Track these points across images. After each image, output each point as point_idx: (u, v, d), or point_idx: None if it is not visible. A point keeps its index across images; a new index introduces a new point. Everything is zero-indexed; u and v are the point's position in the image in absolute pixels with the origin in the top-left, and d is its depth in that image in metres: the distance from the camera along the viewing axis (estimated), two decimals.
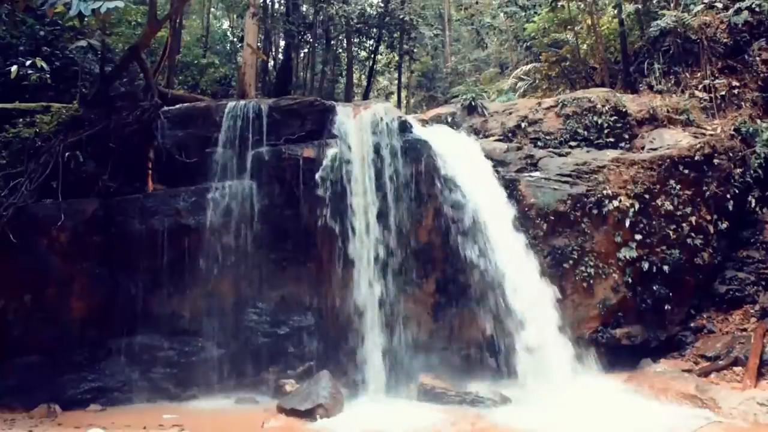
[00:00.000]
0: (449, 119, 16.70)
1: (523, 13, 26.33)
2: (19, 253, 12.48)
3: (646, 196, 14.42)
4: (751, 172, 15.35)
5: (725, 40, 17.56)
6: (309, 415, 10.94)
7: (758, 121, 15.97)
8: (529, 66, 25.02)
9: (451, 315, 13.68)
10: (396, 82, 35.61)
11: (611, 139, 15.85)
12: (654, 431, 9.35)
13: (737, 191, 15.17)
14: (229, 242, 13.41)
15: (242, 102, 14.74)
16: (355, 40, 31.11)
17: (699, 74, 17.55)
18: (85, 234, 13.01)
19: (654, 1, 20.23)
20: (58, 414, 11.67)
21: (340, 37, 31.79)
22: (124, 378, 12.73)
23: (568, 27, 22.70)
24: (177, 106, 14.76)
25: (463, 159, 14.06)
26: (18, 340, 12.53)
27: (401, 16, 28.08)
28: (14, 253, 12.40)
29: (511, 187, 14.12)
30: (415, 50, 33.10)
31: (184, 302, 13.33)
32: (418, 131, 14.40)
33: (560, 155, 15.23)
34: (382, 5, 30.07)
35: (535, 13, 25.11)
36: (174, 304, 13.32)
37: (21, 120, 13.88)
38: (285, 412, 11.15)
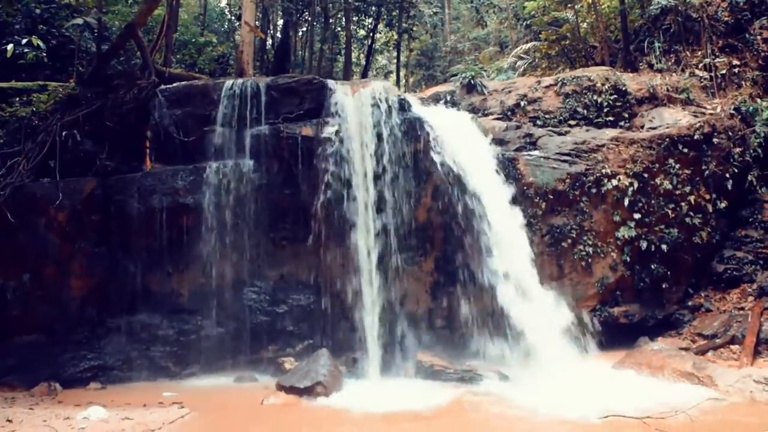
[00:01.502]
0: (448, 98, 16.66)
1: None
2: (17, 233, 12.53)
3: (645, 175, 14.41)
4: (751, 151, 15.31)
5: (726, 19, 17.47)
6: (308, 392, 11.00)
7: (758, 100, 15.90)
8: (529, 44, 24.90)
9: (449, 294, 13.70)
10: (395, 60, 35.46)
11: (611, 118, 15.82)
12: (651, 408, 9.38)
13: (736, 170, 15.13)
14: (227, 221, 13.42)
15: (240, 80, 14.67)
16: (354, 18, 30.89)
17: (699, 53, 17.49)
18: (84, 213, 13.03)
19: None
20: (58, 392, 11.77)
21: (339, 15, 31.59)
22: (123, 356, 12.81)
23: (568, 5, 22.55)
24: (174, 84, 14.69)
25: (462, 138, 14.01)
26: (17, 319, 12.60)
27: None
28: (12, 232, 12.45)
29: (510, 165, 14.10)
30: (414, 29, 32.92)
31: (183, 281, 13.37)
32: (417, 110, 14.36)
33: (559, 134, 15.22)
34: None
35: None
36: (173, 282, 13.36)
37: (18, 99, 13.88)
38: (284, 390, 11.20)
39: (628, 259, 14.22)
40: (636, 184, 14.25)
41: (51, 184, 12.92)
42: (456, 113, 15.30)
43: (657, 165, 14.56)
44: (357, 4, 28.54)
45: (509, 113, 16.21)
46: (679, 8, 17.64)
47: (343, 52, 31.33)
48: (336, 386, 11.41)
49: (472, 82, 16.95)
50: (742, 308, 13.96)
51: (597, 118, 15.80)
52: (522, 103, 16.23)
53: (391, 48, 35.81)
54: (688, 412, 9.12)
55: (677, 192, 14.57)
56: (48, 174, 13.08)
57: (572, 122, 15.77)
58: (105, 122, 13.62)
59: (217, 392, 11.98)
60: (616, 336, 13.97)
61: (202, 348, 13.07)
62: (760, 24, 16.94)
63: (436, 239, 13.75)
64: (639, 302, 14.41)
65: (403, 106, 14.16)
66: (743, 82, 16.60)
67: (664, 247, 14.26)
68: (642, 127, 15.65)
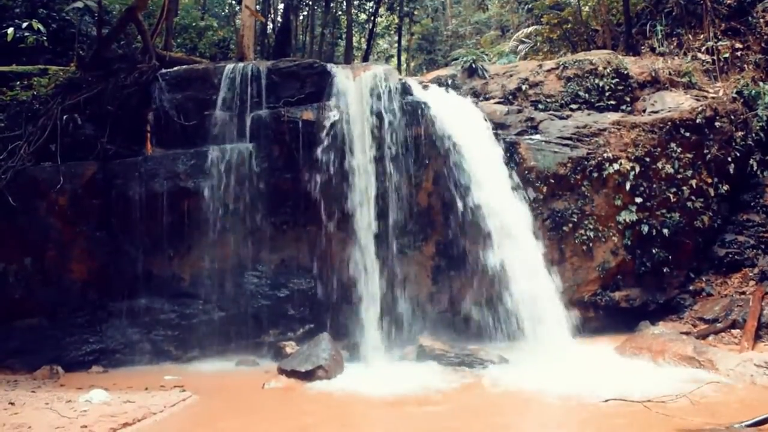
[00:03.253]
0: (449, 82, 16.57)
1: None
2: (18, 217, 12.54)
3: (647, 159, 14.39)
4: (753, 135, 15.30)
5: (729, 2, 17.37)
6: (309, 376, 11.02)
7: (761, 83, 15.85)
8: (531, 28, 24.78)
9: (450, 278, 13.77)
10: (396, 45, 35.32)
11: (612, 102, 15.73)
12: (652, 391, 9.38)
13: (738, 154, 15.12)
14: (228, 205, 13.38)
15: (241, 64, 14.59)
16: (355, 2, 30.77)
17: (702, 36, 17.38)
18: (85, 197, 13.01)
19: None
20: (60, 375, 11.80)
21: None
22: (125, 340, 12.83)
23: None
24: (175, 68, 14.60)
25: (463, 122, 13.97)
26: (19, 302, 12.62)
27: None
28: (14, 216, 12.45)
29: (511, 149, 14.08)
30: (415, 12, 32.80)
31: (184, 265, 13.38)
32: (418, 94, 14.29)
33: (561, 118, 15.16)
34: None
35: None
36: (174, 266, 13.36)
37: (18, 83, 13.84)
38: (285, 374, 11.21)
39: (630, 243, 14.23)
40: (637, 168, 14.23)
41: (52, 167, 12.89)
42: (457, 97, 15.22)
43: (659, 149, 14.53)
44: None
45: (510, 97, 16.11)
46: None
47: (344, 36, 31.22)
48: (337, 370, 11.44)
49: (473, 66, 16.86)
50: (743, 292, 13.97)
51: (598, 102, 15.72)
52: (523, 87, 16.14)
53: (392, 32, 35.67)
54: (689, 396, 9.12)
55: (679, 176, 14.55)
56: (49, 158, 13.04)
57: (574, 106, 15.69)
58: (106, 106, 13.56)
59: (219, 376, 12.01)
60: (616, 320, 14.03)
61: (204, 332, 13.09)
62: (762, 7, 16.84)
63: (437, 223, 13.76)
64: (640, 286, 14.44)
65: (404, 90, 14.11)
66: (746, 66, 16.52)
67: (665, 231, 14.26)
68: (644, 110, 15.59)
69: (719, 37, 17.00)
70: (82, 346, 12.60)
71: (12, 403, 9.27)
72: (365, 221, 13.21)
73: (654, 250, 14.32)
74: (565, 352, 11.86)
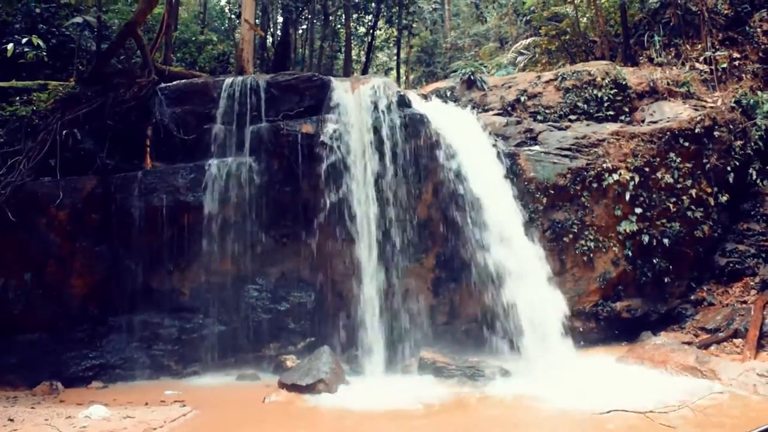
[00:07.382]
0: (448, 94, 16.60)
1: None
2: (18, 231, 12.53)
3: (646, 169, 14.39)
4: (752, 144, 15.31)
5: (726, 12, 17.45)
6: (310, 390, 10.97)
7: (759, 92, 15.88)
8: (529, 40, 24.85)
9: (451, 290, 13.72)
10: (395, 57, 35.35)
11: (611, 113, 15.76)
12: (654, 402, 9.35)
13: (738, 164, 15.13)
14: (228, 219, 13.39)
15: (240, 78, 14.64)
16: (354, 16, 30.80)
17: (699, 46, 17.46)
18: (84, 211, 13.02)
19: None
20: (60, 391, 11.75)
21: (339, 13, 31.52)
22: (125, 355, 12.80)
23: (568, 0, 22.52)
24: (174, 82, 14.67)
25: (462, 133, 13.98)
26: (19, 317, 12.59)
27: None
28: (13, 231, 12.44)
29: (510, 160, 14.08)
30: (413, 25, 32.80)
31: (184, 279, 13.36)
32: (417, 106, 14.33)
33: (560, 129, 15.18)
34: None
35: None
36: (174, 280, 13.34)
37: (18, 98, 13.90)
38: (286, 388, 11.18)
39: (630, 253, 14.20)
40: (637, 179, 14.23)
41: (52, 182, 12.92)
42: (456, 109, 15.27)
43: (658, 159, 14.54)
44: (356, 1, 28.48)
45: (509, 108, 16.14)
46: (679, 1, 17.63)
47: (343, 49, 31.25)
48: (338, 383, 11.38)
49: (472, 77, 16.90)
50: (745, 302, 13.94)
51: (597, 113, 15.75)
52: (522, 99, 16.16)
53: (391, 45, 35.69)
54: (691, 406, 9.10)
55: (678, 186, 14.55)
56: (49, 173, 13.07)
57: (573, 117, 15.71)
58: (105, 121, 13.59)
59: (219, 390, 11.98)
60: (618, 331, 14.00)
61: (204, 346, 13.06)
62: (759, 16, 16.92)
63: (437, 235, 13.73)
64: (641, 297, 14.41)
65: (403, 103, 14.12)
66: (744, 75, 16.58)
67: (665, 241, 14.25)
68: (642, 121, 15.61)
69: (717, 47, 17.07)
70: (82, 362, 12.57)
71: (11, 420, 9.24)
72: (365, 234, 13.21)
73: (655, 260, 14.30)
74: (566, 363, 11.81)
